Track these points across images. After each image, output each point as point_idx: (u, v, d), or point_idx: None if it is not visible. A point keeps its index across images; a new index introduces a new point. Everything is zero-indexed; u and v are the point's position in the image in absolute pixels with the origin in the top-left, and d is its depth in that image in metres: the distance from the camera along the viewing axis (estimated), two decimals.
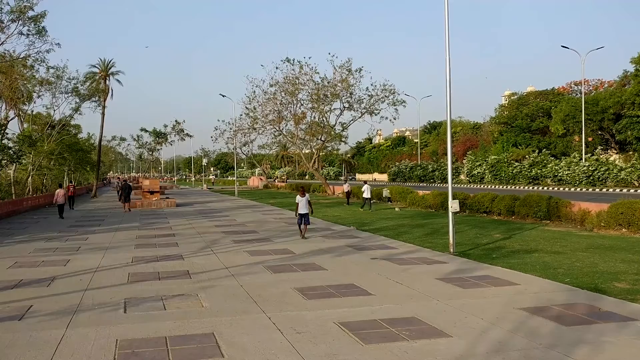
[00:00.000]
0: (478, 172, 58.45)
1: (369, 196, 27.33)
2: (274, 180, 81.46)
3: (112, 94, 51.90)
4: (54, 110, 42.26)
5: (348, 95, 43.35)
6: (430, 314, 7.43)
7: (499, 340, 6.30)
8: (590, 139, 51.76)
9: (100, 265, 11.81)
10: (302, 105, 45.82)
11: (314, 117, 46.52)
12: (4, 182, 38.24)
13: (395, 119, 49.43)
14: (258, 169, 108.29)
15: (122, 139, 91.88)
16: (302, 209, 16.17)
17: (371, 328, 6.82)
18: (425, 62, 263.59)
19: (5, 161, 31.59)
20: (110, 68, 51.67)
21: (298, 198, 16.33)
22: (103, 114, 49.73)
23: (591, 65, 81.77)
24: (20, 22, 26.62)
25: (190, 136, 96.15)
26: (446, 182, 14.08)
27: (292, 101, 45.52)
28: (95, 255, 13.39)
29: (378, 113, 43.60)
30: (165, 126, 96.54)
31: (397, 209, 27.12)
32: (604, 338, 6.32)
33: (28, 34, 27.41)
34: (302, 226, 16.27)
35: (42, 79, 37.56)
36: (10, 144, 33.11)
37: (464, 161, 63.30)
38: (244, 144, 57.94)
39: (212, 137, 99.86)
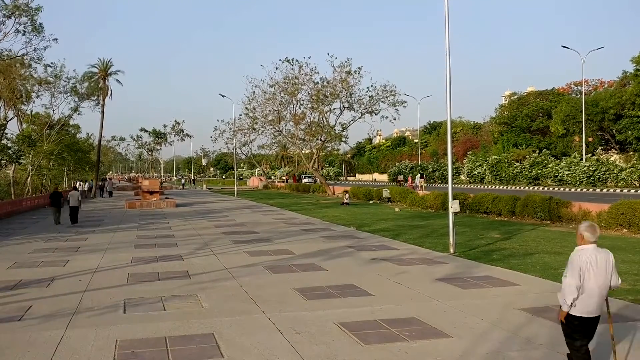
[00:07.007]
0: (478, 173, 58.36)
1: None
2: (274, 181, 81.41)
3: (111, 94, 51.96)
4: (53, 110, 42.37)
5: (348, 95, 43.39)
6: (430, 315, 7.42)
7: (499, 340, 6.29)
8: (590, 139, 51.72)
9: (99, 266, 11.80)
10: (301, 105, 45.88)
11: (314, 117, 46.56)
12: (3, 183, 38.27)
13: (395, 119, 49.55)
14: (258, 169, 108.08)
15: (122, 139, 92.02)
16: None
17: (371, 328, 6.81)
18: (426, 62, 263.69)
19: (5, 161, 31.59)
20: (109, 68, 51.65)
21: None
22: (102, 112, 49.75)
23: (591, 65, 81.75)
24: (16, 16, 26.54)
25: (190, 136, 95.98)
26: (446, 183, 14.05)
27: (291, 101, 45.57)
28: (94, 255, 13.37)
29: (378, 113, 43.66)
30: (165, 126, 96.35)
31: (397, 210, 27.11)
32: (604, 339, 6.30)
33: (25, 32, 27.37)
34: None
35: (41, 78, 37.59)
36: (10, 144, 33.12)
37: (464, 161, 63.20)
38: (244, 144, 58.05)
39: (211, 137, 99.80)
